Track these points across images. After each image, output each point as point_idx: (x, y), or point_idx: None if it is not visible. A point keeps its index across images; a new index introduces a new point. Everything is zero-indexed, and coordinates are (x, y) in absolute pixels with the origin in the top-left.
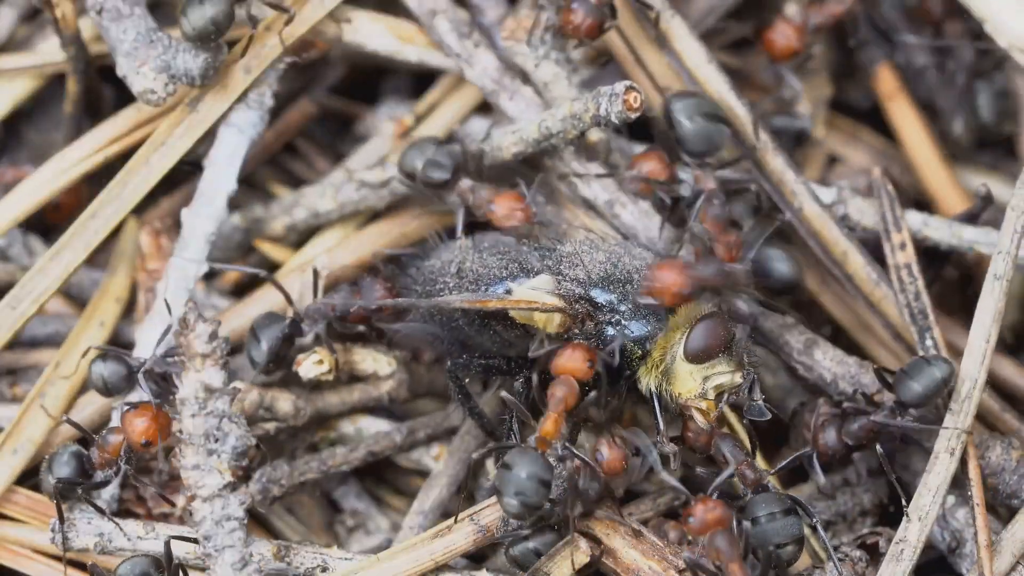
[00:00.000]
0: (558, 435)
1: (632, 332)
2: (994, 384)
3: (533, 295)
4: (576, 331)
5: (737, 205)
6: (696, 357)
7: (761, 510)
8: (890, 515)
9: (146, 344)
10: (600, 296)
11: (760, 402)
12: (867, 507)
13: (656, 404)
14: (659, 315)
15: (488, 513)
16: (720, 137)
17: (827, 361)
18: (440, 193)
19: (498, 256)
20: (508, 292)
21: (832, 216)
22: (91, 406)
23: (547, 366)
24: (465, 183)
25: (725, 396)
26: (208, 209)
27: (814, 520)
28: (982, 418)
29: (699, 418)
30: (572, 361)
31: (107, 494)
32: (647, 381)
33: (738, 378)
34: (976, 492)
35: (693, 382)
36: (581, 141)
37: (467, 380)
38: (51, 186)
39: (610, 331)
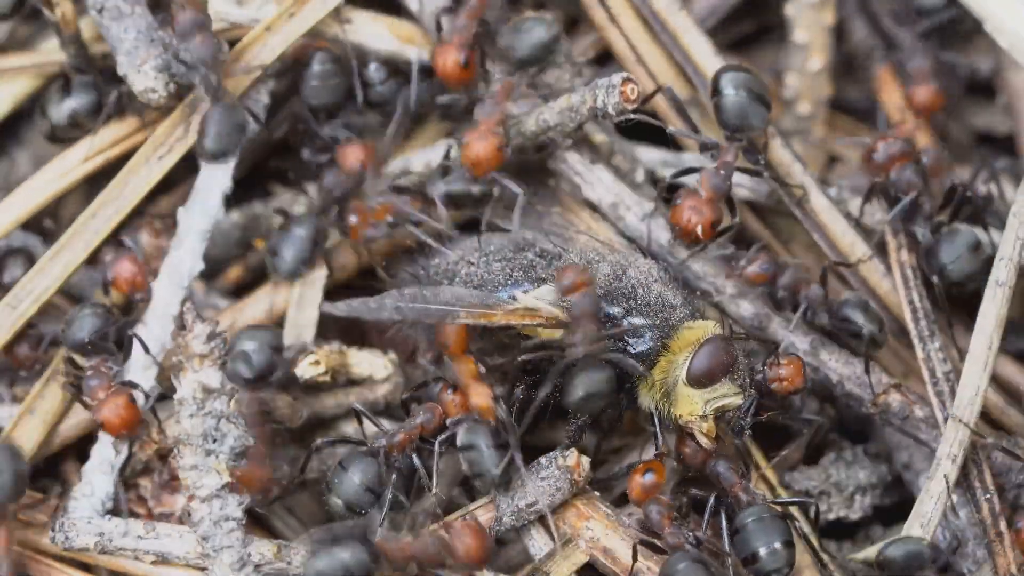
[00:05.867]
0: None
1: (633, 348)
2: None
3: (536, 306)
4: None
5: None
6: (699, 383)
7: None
8: (897, 498)
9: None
10: (604, 310)
11: (747, 424)
12: (863, 483)
13: (656, 423)
14: (661, 332)
15: (480, 512)
16: (756, 116)
17: (833, 362)
18: None
19: (503, 262)
20: (513, 299)
21: (839, 208)
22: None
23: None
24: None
25: (727, 416)
26: (203, 207)
27: (789, 537)
28: (986, 419)
29: (701, 439)
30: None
31: (103, 493)
32: (647, 400)
33: (739, 400)
34: None
35: (695, 404)
36: (580, 134)
37: None
38: (52, 188)
39: (612, 346)
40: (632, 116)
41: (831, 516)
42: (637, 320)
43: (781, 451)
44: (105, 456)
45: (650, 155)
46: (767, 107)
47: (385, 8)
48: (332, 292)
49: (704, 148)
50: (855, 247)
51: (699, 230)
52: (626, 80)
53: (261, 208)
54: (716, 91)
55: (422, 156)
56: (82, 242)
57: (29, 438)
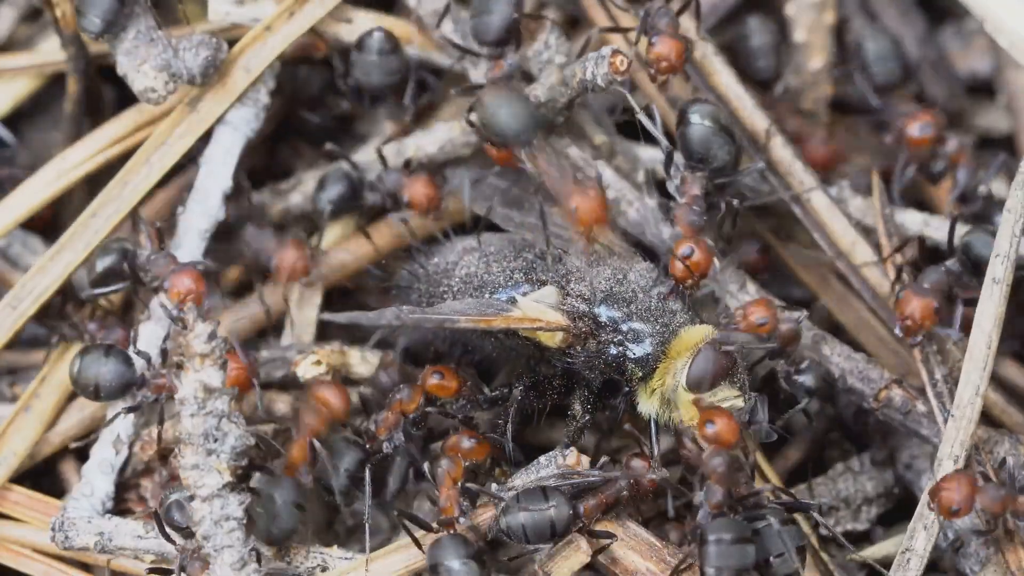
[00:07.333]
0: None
1: (634, 353)
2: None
3: (537, 309)
4: (578, 348)
5: None
6: (699, 387)
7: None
8: (898, 500)
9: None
10: (604, 314)
11: (766, 424)
12: (871, 495)
13: (653, 428)
14: (661, 337)
15: (479, 513)
16: (720, 148)
17: (835, 357)
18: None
19: (503, 263)
20: (512, 301)
21: (840, 207)
22: (88, 407)
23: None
24: None
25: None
26: (203, 206)
27: (802, 542)
28: (987, 417)
29: (703, 443)
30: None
31: (103, 493)
32: (647, 406)
33: (740, 403)
34: None
35: (695, 409)
36: (569, 113)
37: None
38: (52, 187)
39: (612, 351)
40: (620, 87)
41: (839, 529)
42: (637, 325)
43: (781, 451)
44: (105, 456)
45: (650, 155)
46: (732, 140)
47: (385, 8)
48: (331, 292)
49: (668, 158)
50: (855, 247)
51: (698, 274)
52: (615, 52)
53: (258, 199)
54: (682, 121)
55: (437, 134)
56: (82, 242)
57: (24, 436)
